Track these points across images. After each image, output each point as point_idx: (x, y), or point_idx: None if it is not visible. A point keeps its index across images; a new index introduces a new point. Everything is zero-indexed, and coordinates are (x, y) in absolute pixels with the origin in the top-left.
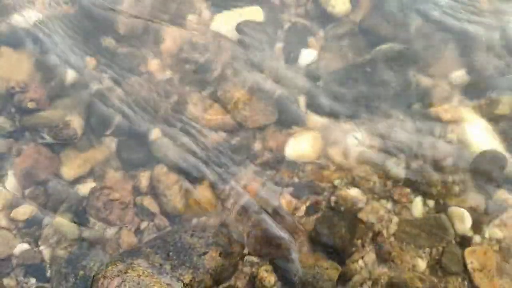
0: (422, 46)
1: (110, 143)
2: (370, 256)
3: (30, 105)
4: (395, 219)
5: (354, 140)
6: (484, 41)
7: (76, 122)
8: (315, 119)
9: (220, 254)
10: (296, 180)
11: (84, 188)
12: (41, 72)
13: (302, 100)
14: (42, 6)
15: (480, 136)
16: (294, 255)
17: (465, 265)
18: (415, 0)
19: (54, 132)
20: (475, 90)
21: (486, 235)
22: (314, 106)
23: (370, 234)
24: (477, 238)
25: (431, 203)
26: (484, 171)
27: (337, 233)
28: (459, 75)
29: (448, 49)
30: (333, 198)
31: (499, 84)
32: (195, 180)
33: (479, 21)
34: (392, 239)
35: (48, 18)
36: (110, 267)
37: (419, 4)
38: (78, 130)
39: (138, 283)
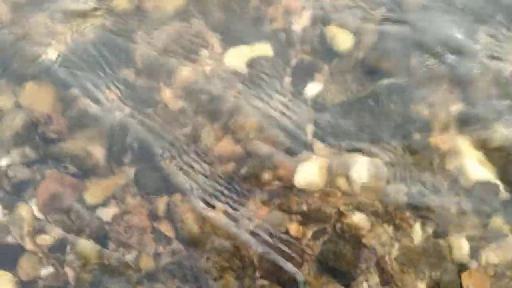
0: (422, 80)
1: (129, 170)
2: (374, 279)
3: (53, 135)
4: (397, 244)
5: (358, 168)
6: (480, 76)
7: (98, 152)
8: (322, 149)
9: (234, 278)
10: (303, 206)
11: (105, 214)
12: (63, 103)
13: (309, 130)
14: (63, 40)
15: (475, 166)
16: (303, 279)
17: None
18: (415, 37)
19: (77, 161)
20: (471, 122)
21: (483, 260)
22: (320, 136)
23: (374, 258)
24: (473, 263)
25: (430, 228)
26: (480, 199)
27: (343, 258)
28: (457, 108)
29: (446, 83)
30: (338, 224)
31: (493, 117)
32: (209, 206)
33: (476, 56)
34: (394, 263)
35: (70, 51)
36: None
37: (419, 41)
38: (99, 160)
39: None
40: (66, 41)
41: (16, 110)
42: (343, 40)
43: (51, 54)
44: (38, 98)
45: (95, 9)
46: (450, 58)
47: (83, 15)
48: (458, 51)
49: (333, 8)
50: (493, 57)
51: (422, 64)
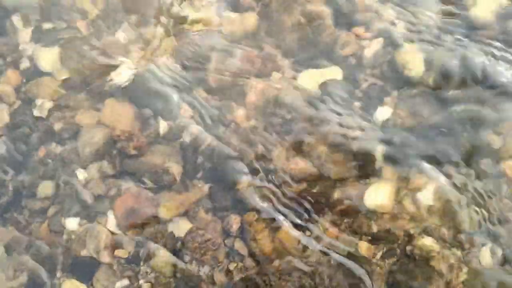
0: (493, 107)
1: (203, 187)
2: None
3: (133, 152)
4: (465, 268)
5: (427, 193)
6: None
7: (175, 168)
8: (391, 172)
9: None
10: (373, 227)
11: (180, 229)
12: (141, 121)
13: (379, 153)
14: (139, 60)
15: None
16: None
17: None
18: (483, 64)
19: (155, 177)
20: None
21: None
22: (390, 160)
23: (443, 281)
24: None
25: (498, 252)
26: None
27: (412, 278)
28: None
29: None
30: (408, 246)
31: None
32: (281, 225)
33: None
34: (462, 285)
35: (145, 70)
36: None
37: (488, 68)
38: (176, 176)
39: None
40: (141, 60)
41: (96, 126)
42: (413, 65)
43: (127, 73)
44: (118, 115)
45: (169, 31)
46: None
47: (157, 36)
48: None
49: (405, 34)
50: None
51: (494, 90)
